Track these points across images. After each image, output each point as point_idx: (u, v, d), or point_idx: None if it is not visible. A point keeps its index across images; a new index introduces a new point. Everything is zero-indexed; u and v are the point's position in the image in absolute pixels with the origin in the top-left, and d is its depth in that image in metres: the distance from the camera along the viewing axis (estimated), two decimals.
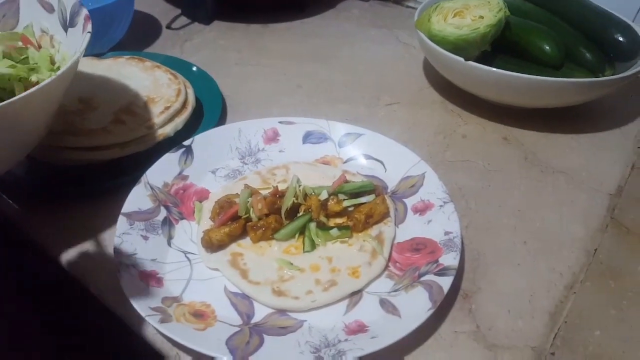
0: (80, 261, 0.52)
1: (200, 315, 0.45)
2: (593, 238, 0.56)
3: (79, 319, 0.48)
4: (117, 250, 0.48)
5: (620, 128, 0.74)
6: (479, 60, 0.70)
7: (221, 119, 0.71)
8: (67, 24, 0.54)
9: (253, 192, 0.53)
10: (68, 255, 0.53)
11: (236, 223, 0.51)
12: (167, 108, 0.63)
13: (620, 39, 0.71)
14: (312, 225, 0.52)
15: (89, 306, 0.49)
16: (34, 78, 0.51)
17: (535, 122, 0.72)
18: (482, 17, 0.70)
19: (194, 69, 0.77)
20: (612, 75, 0.70)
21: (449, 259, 0.49)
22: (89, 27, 0.49)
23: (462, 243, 0.55)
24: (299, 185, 0.54)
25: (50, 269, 0.52)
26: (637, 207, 0.59)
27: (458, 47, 0.70)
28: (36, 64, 0.53)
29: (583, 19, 0.75)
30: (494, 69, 0.65)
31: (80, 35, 0.50)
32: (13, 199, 0.58)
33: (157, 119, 0.62)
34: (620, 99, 0.78)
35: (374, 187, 0.56)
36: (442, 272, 0.48)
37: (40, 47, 0.56)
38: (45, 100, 0.47)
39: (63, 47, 0.55)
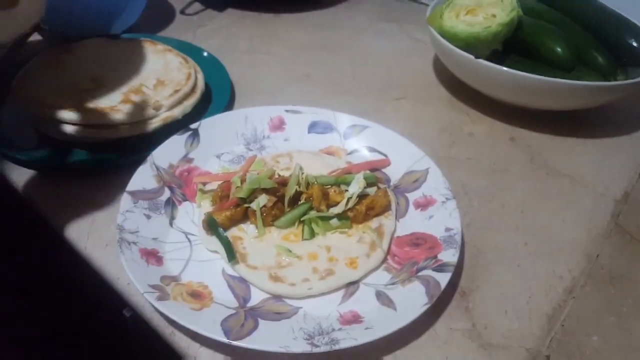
0: (81, 234, 0.53)
1: (198, 296, 0.46)
2: (595, 243, 0.56)
3: (77, 292, 0.49)
4: (120, 227, 0.49)
5: (630, 134, 0.73)
6: (489, 59, 0.69)
7: (229, 105, 0.71)
8: None
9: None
10: (70, 229, 0.53)
11: (238, 207, 0.52)
12: (176, 91, 0.63)
13: (634, 43, 0.70)
14: (313, 213, 0.52)
15: (90, 281, 0.50)
16: None
17: (544, 124, 0.72)
18: (494, 15, 0.69)
19: (205, 54, 0.77)
20: (624, 80, 0.70)
21: (448, 256, 0.49)
22: None
23: (463, 240, 0.55)
24: (302, 174, 0.54)
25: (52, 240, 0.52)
26: None
27: (469, 44, 0.69)
28: None
29: (597, 22, 0.74)
30: (504, 68, 0.65)
31: None
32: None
33: (166, 102, 0.62)
34: (631, 104, 0.77)
35: (376, 180, 0.56)
36: (440, 268, 0.48)
37: None
38: None
39: None
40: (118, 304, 0.48)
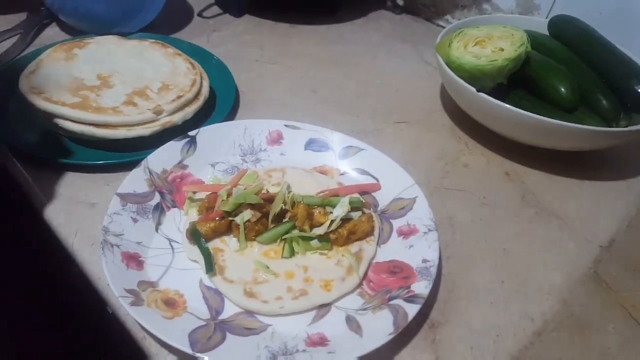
0: (70, 230, 0.55)
1: (172, 304, 0.47)
2: (571, 288, 0.56)
3: (60, 287, 0.51)
4: (105, 229, 0.50)
5: (627, 180, 0.73)
6: (493, 91, 0.70)
7: (232, 113, 0.73)
8: None
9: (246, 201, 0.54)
10: (60, 224, 0.55)
11: (222, 220, 0.53)
12: (179, 97, 0.65)
13: None
14: (295, 232, 0.54)
15: (73, 278, 0.52)
16: None
17: (541, 162, 0.72)
18: (502, 49, 0.70)
19: (215, 60, 0.79)
20: (626, 126, 0.70)
21: (421, 287, 0.50)
22: None
23: (440, 273, 0.56)
24: (289, 192, 0.56)
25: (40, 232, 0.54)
26: (623, 265, 0.59)
27: (473, 76, 0.70)
28: None
29: (606, 64, 0.74)
30: (504, 104, 0.65)
31: None
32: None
33: (168, 106, 0.64)
34: (632, 149, 0.77)
35: (362, 204, 0.57)
36: (411, 298, 0.49)
37: None
38: None
39: None
40: (98, 302, 0.50)
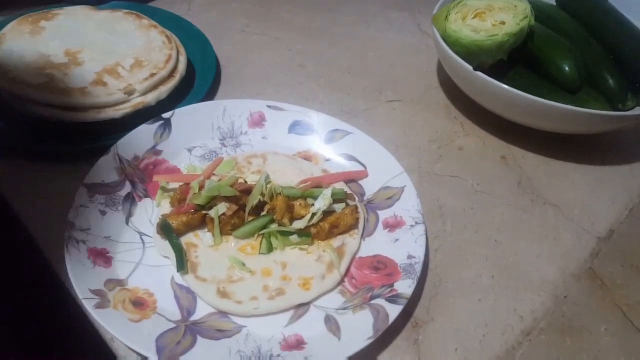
0: (39, 223, 0.52)
1: (140, 304, 0.45)
2: (565, 284, 0.54)
3: (25, 284, 0.48)
4: (70, 224, 0.47)
5: (631, 164, 0.69)
6: (492, 68, 0.65)
7: (211, 91, 0.68)
8: None
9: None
10: (30, 216, 0.52)
11: (196, 213, 0.50)
12: (152, 75, 0.61)
13: None
14: (273, 227, 0.51)
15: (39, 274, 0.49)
16: None
17: (540, 145, 0.68)
18: (503, 22, 0.65)
19: (195, 31, 0.74)
20: (634, 106, 0.65)
21: (404, 286, 0.47)
22: None
23: (427, 267, 0.53)
24: (267, 183, 0.52)
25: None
26: (620, 260, 0.56)
27: (471, 52, 0.65)
28: None
29: (616, 39, 0.69)
30: (502, 85, 0.61)
31: None
32: None
33: (140, 86, 0.59)
34: (638, 132, 0.73)
35: (345, 196, 0.54)
36: (393, 298, 0.46)
37: None
38: None
39: None
40: (66, 299, 0.48)
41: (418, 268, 0.49)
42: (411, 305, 0.50)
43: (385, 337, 0.47)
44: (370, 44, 0.83)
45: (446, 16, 0.68)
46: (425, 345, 0.47)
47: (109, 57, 0.62)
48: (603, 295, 0.53)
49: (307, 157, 0.61)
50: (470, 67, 0.64)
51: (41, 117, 0.56)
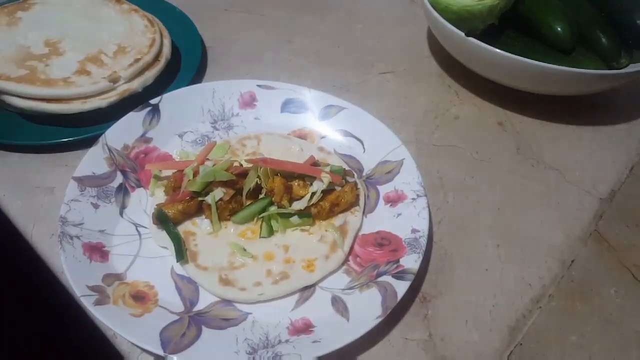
0: (28, 220, 0.50)
1: (141, 298, 0.44)
2: (571, 248, 0.53)
3: (22, 283, 0.47)
4: (62, 219, 0.46)
5: (629, 123, 0.68)
6: (484, 34, 0.64)
7: (199, 74, 0.66)
8: None
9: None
10: (17, 213, 0.51)
11: (192, 200, 0.49)
12: (137, 60, 0.59)
13: None
14: (272, 209, 0.49)
15: (36, 273, 0.48)
16: None
17: (536, 108, 0.67)
18: None
19: (177, 13, 0.71)
20: (628, 64, 0.64)
21: (410, 261, 0.46)
22: None
23: (431, 241, 0.52)
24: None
25: None
26: (625, 220, 0.55)
27: (461, 18, 0.63)
28: None
29: None
30: (495, 49, 0.59)
31: None
32: None
33: (125, 72, 0.57)
34: (633, 90, 0.72)
35: (344, 173, 0.53)
36: (400, 274, 0.45)
37: None
38: None
39: None
40: (64, 297, 0.46)
41: (423, 242, 0.48)
42: (418, 280, 0.49)
43: (394, 314, 0.46)
44: (358, 16, 0.81)
45: None
46: (435, 319, 0.47)
47: (91, 45, 0.59)
48: (610, 257, 0.52)
49: (302, 135, 0.59)
50: (462, 34, 0.62)
51: (24, 110, 0.54)
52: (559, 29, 0.63)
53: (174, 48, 0.65)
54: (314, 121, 0.60)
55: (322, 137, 0.59)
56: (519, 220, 0.55)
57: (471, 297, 0.49)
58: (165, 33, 0.65)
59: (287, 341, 0.41)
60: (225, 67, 0.69)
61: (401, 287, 0.44)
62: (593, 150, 0.64)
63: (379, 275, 0.46)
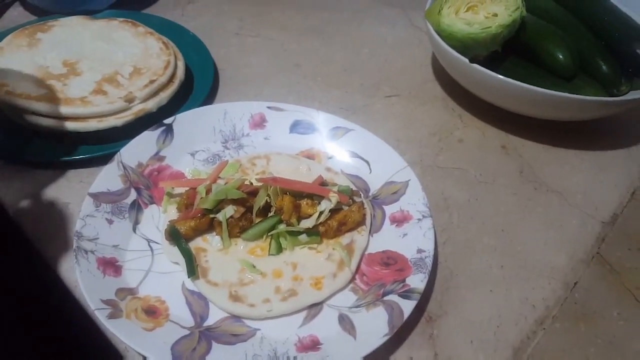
0: (44, 234, 0.51)
1: (153, 312, 0.45)
2: (574, 270, 0.54)
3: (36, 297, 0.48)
4: (78, 234, 0.47)
5: (629, 148, 0.69)
6: (487, 60, 0.66)
7: (211, 94, 0.68)
8: None
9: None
10: (33, 228, 0.52)
11: (203, 217, 0.50)
12: (152, 81, 0.61)
13: None
14: (282, 227, 0.50)
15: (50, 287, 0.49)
16: None
17: (539, 133, 0.69)
18: (496, 15, 0.65)
19: (191, 37, 0.74)
20: (628, 91, 0.66)
21: (416, 281, 0.47)
22: None
23: (436, 261, 0.53)
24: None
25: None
26: (627, 243, 0.56)
27: (466, 45, 0.65)
28: None
29: (607, 26, 0.69)
30: (498, 75, 0.61)
31: None
32: None
33: (140, 93, 0.59)
34: (633, 116, 0.73)
35: (351, 193, 0.54)
36: (406, 294, 0.46)
37: None
38: None
39: None
40: (78, 311, 0.47)
41: (429, 262, 0.49)
42: (424, 300, 0.50)
43: (400, 333, 0.46)
44: (364, 41, 0.83)
45: (439, 11, 0.68)
46: (440, 339, 0.48)
47: (108, 66, 0.61)
48: (613, 279, 0.53)
49: (310, 155, 0.61)
50: (466, 60, 0.64)
51: (42, 128, 0.56)
52: (560, 56, 0.65)
53: (188, 70, 0.67)
54: (321, 142, 0.61)
55: (330, 158, 0.61)
56: (522, 241, 0.56)
57: (476, 318, 0.49)
58: (179, 55, 0.67)
59: (295, 358, 0.42)
60: (235, 88, 0.71)
61: (407, 306, 0.45)
62: (595, 174, 0.65)
63: (386, 294, 0.47)
